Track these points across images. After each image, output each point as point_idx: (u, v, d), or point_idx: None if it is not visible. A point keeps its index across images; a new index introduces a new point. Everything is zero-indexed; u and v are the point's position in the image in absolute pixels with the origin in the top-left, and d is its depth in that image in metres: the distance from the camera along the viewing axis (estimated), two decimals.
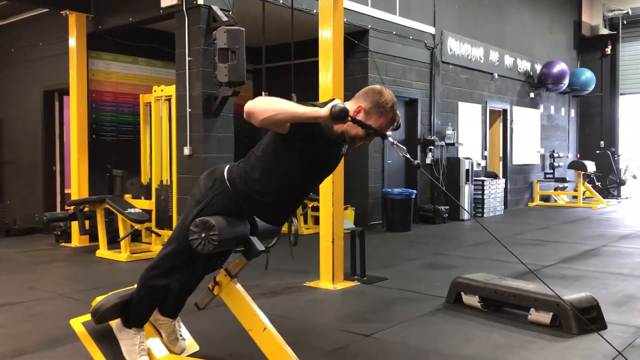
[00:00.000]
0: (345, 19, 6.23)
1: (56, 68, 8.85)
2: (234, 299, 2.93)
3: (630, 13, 15.43)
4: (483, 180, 11.11)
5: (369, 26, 9.12)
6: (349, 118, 2.45)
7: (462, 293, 4.55)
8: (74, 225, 7.70)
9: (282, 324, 3.54)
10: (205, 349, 3.44)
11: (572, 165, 13.77)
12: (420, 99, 10.19)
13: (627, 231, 8.97)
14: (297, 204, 3.04)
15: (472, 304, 4.45)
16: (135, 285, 3.08)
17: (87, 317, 3.12)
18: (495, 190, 11.41)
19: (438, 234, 8.91)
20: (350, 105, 2.63)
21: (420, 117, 10.23)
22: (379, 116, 2.61)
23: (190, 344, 3.41)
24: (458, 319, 4.25)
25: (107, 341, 3.09)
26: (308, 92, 8.06)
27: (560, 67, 13.52)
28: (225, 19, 6.81)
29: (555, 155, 14.24)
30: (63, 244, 8.01)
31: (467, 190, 10.51)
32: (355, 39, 9.03)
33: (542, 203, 13.77)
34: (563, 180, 13.69)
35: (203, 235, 2.70)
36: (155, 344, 3.24)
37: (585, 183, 13.69)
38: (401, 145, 2.60)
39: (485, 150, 12.14)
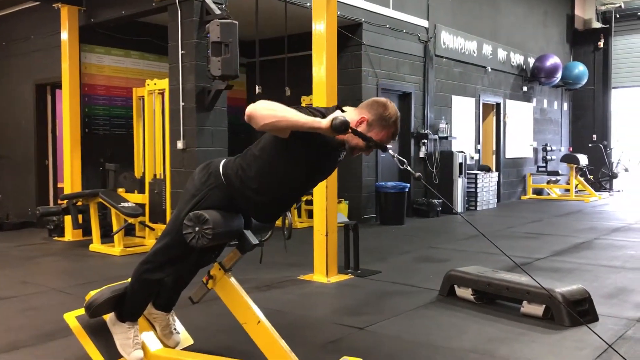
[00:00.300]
0: (338, 12, 6.23)
1: (48, 61, 8.79)
2: (228, 293, 2.94)
3: (622, 7, 15.49)
4: (476, 174, 11.15)
5: (363, 19, 9.10)
6: (350, 130, 2.46)
7: (456, 286, 4.57)
8: (67, 219, 7.68)
9: (276, 318, 3.55)
10: (199, 343, 3.45)
11: (565, 159, 13.84)
12: (413, 93, 10.20)
13: (619, 224, 9.03)
14: (290, 205, 3.05)
15: (465, 296, 4.48)
16: (129, 279, 3.08)
17: (81, 311, 3.12)
18: (488, 183, 11.45)
19: (431, 227, 8.94)
20: (353, 115, 2.64)
21: (414, 110, 10.24)
22: (381, 129, 2.61)
23: (185, 338, 3.41)
24: (451, 312, 4.28)
25: (101, 335, 3.09)
26: (302, 86, 8.09)
27: (553, 60, 13.55)
28: (218, 12, 6.78)
29: (548, 148, 14.30)
30: (56, 238, 7.98)
31: (460, 184, 10.54)
32: (349, 32, 9.02)
33: (534, 196, 13.83)
34: (555, 173, 13.76)
35: (197, 229, 2.70)
36: (150, 338, 3.24)
37: (578, 176, 13.76)
38: (401, 158, 2.62)
39: (479, 143, 12.17)
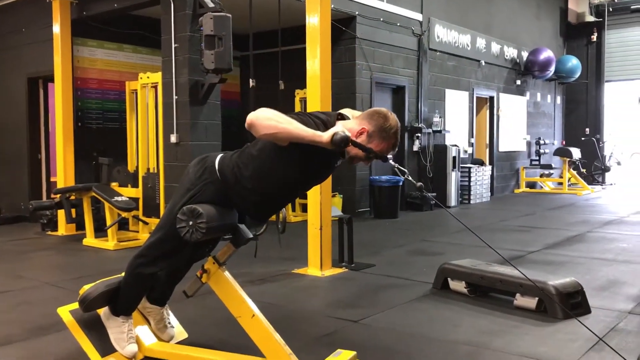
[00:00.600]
0: (332, 6, 6.21)
1: (40, 55, 8.73)
2: (222, 287, 2.94)
3: (615, 0, 15.50)
4: (470, 167, 11.17)
5: (357, 13, 9.08)
6: (350, 143, 2.49)
7: (449, 279, 4.59)
8: (61, 213, 7.65)
9: (271, 311, 3.55)
10: (193, 337, 3.45)
11: (558, 152, 13.88)
12: (407, 86, 10.19)
13: (611, 217, 9.08)
14: (284, 205, 3.07)
15: (458, 289, 4.50)
16: (123, 274, 3.08)
17: (75, 305, 3.12)
18: (481, 177, 11.48)
19: (425, 220, 8.96)
20: (354, 125, 2.65)
21: (408, 104, 10.24)
22: (381, 140, 2.61)
23: (179, 332, 3.42)
24: (445, 305, 4.30)
25: (95, 329, 3.09)
26: (295, 79, 8.06)
27: (546, 54, 13.57)
28: (211, 5, 6.75)
29: (541, 142, 14.34)
30: (49, 232, 7.96)
31: (453, 177, 10.57)
32: (343, 25, 9.00)
33: (528, 190, 13.87)
34: (549, 167, 13.81)
35: (191, 223, 2.70)
36: (144, 332, 3.24)
37: (571, 170, 13.81)
38: (402, 168, 2.63)
39: (472, 137, 12.19)
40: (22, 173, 9.32)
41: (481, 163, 11.89)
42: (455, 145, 10.78)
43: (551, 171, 13.95)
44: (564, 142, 15.71)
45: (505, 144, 13.31)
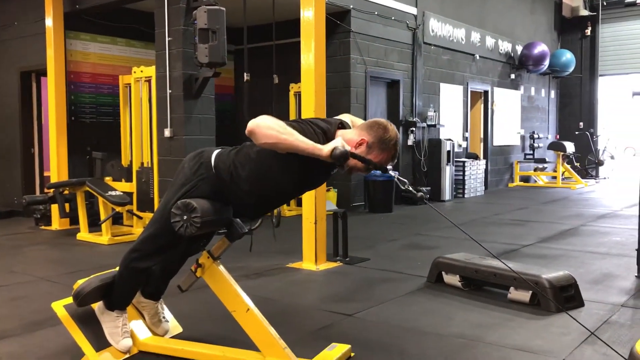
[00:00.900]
0: None
1: (33, 48, 8.68)
2: (216, 281, 2.94)
3: None
4: (464, 162, 11.19)
5: (351, 6, 9.06)
6: (349, 155, 2.51)
7: (443, 272, 4.61)
8: (54, 208, 7.63)
9: (265, 305, 3.56)
10: (188, 331, 3.45)
11: (552, 146, 13.92)
12: (402, 80, 10.19)
13: (604, 211, 9.12)
14: (276, 207, 3.07)
15: (452, 283, 4.51)
16: (117, 268, 3.07)
17: (69, 300, 3.11)
18: (476, 171, 11.51)
19: (419, 214, 8.98)
20: (353, 135, 2.66)
21: (402, 98, 10.23)
22: (380, 152, 2.63)
23: (174, 326, 3.42)
24: (439, 298, 4.31)
25: (90, 324, 3.08)
26: (290, 73, 8.05)
27: (540, 48, 13.58)
28: None
29: (535, 136, 14.37)
30: (43, 227, 7.93)
31: (448, 172, 10.58)
32: (337, 19, 8.97)
33: (522, 183, 13.92)
34: (543, 161, 13.85)
35: (185, 217, 2.69)
36: (138, 326, 3.24)
37: (565, 164, 13.86)
38: (403, 179, 2.64)
39: (467, 131, 12.21)
40: (15, 167, 9.27)
41: (475, 157, 11.90)
42: (450, 140, 10.79)
43: (545, 165, 13.99)
44: (557, 136, 15.76)
45: (499, 138, 13.34)
